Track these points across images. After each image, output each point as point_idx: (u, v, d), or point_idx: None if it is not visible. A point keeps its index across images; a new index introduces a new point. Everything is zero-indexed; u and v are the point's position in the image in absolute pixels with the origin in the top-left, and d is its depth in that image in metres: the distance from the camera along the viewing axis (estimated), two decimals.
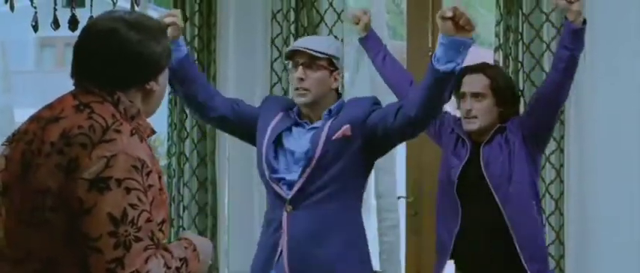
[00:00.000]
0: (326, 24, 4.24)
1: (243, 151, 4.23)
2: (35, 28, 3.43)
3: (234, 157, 4.51)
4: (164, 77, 2.13)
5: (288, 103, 3.29)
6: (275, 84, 4.36)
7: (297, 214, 3.08)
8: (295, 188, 3.07)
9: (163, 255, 1.95)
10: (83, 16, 3.20)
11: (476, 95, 3.38)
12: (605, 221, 3.82)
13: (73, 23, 3.34)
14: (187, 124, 4.50)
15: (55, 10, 3.38)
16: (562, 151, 3.90)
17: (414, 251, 4.36)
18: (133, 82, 2.06)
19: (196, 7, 4.48)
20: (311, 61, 3.11)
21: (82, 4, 3.46)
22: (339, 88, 3.23)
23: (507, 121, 3.41)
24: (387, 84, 3.68)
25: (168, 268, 1.95)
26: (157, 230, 1.95)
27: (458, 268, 3.49)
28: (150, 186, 1.95)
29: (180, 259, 2.01)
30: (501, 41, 3.96)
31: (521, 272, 3.30)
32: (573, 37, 3.18)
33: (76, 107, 2.01)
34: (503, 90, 3.42)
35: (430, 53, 4.20)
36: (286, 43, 4.29)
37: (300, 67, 3.11)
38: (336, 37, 4.17)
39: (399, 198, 4.65)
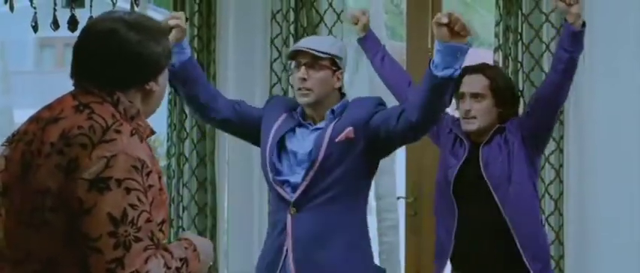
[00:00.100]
0: (325, 24, 4.24)
1: (242, 151, 4.23)
2: (35, 28, 3.43)
3: (233, 158, 4.51)
4: (164, 77, 2.13)
5: (292, 103, 3.29)
6: (274, 84, 4.35)
7: (301, 216, 3.07)
8: (299, 191, 3.06)
9: (163, 255, 1.95)
10: (83, 16, 3.20)
11: (475, 96, 3.38)
12: (605, 222, 3.82)
13: (72, 24, 3.33)
14: (187, 124, 4.50)
15: (54, 10, 3.38)
16: (561, 151, 3.90)
17: (414, 251, 4.36)
18: (132, 82, 2.07)
19: (196, 8, 4.48)
20: (313, 61, 3.11)
21: (81, 5, 3.46)
22: (342, 88, 3.23)
23: (506, 122, 3.41)
24: (385, 84, 3.68)
25: (169, 268, 1.95)
26: (156, 230, 1.95)
27: (455, 268, 3.49)
28: (150, 186, 1.95)
29: (181, 260, 2.01)
30: (501, 42, 3.96)
31: (522, 272, 3.30)
32: (572, 40, 3.18)
33: (76, 108, 2.01)
34: (502, 91, 3.42)
35: (430, 54, 4.21)
36: (286, 43, 4.29)
37: (303, 67, 3.11)
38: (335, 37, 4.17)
39: (398, 198, 4.65)
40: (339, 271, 3.06)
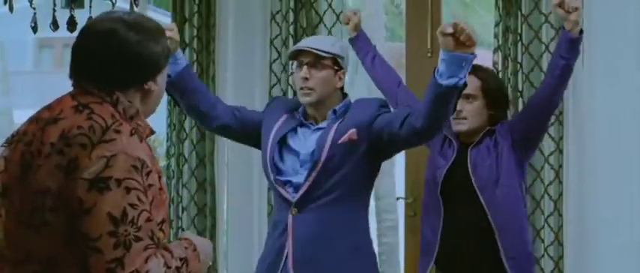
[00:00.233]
0: (325, 25, 4.24)
1: (242, 152, 4.23)
2: (34, 29, 3.43)
3: (233, 159, 4.51)
4: (162, 77, 2.13)
5: (292, 104, 3.29)
6: (274, 85, 4.35)
7: (302, 217, 3.07)
8: (301, 191, 3.06)
9: (163, 255, 1.95)
10: (82, 17, 3.19)
11: (466, 96, 3.37)
12: (605, 222, 3.82)
13: (71, 24, 3.33)
14: (186, 125, 4.50)
15: (54, 11, 3.38)
16: (561, 151, 3.90)
17: (413, 252, 4.35)
18: (131, 82, 2.07)
19: (195, 9, 4.48)
20: (316, 60, 3.11)
21: (81, 5, 3.46)
22: (344, 88, 3.23)
23: (497, 125, 3.41)
24: (375, 84, 3.69)
25: (169, 267, 1.95)
26: (156, 230, 1.95)
27: (439, 268, 3.50)
28: (150, 186, 1.95)
29: (181, 259, 2.01)
30: (500, 42, 3.96)
31: None
32: (570, 47, 3.20)
33: (75, 108, 2.01)
34: (493, 92, 3.42)
35: (429, 55, 4.21)
36: (285, 44, 4.29)
37: (305, 67, 3.11)
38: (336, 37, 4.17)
39: (397, 199, 4.64)
40: None
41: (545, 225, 3.90)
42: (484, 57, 4.06)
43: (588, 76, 3.82)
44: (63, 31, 3.36)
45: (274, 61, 4.36)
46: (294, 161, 3.13)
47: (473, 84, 3.38)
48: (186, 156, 4.50)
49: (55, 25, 3.40)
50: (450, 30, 2.64)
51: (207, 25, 4.51)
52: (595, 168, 3.84)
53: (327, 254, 3.05)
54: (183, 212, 4.52)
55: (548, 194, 3.90)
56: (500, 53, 3.96)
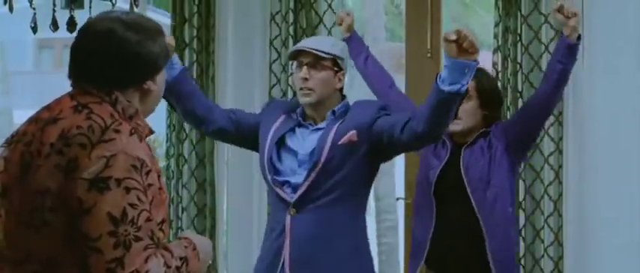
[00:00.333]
0: (325, 25, 4.25)
1: (242, 152, 4.22)
2: (34, 29, 3.43)
3: (233, 159, 4.51)
4: (161, 77, 2.13)
5: (290, 105, 3.29)
6: (274, 85, 4.36)
7: (300, 217, 3.07)
8: (300, 191, 3.06)
9: (163, 254, 1.96)
10: (82, 17, 3.19)
11: None
12: (604, 222, 3.82)
13: (71, 25, 3.33)
14: (186, 125, 4.49)
15: (54, 11, 3.38)
16: (561, 152, 3.91)
17: None
18: (130, 82, 2.07)
19: (195, 9, 4.48)
20: (315, 61, 3.11)
21: (80, 6, 3.46)
22: (344, 89, 3.23)
23: (491, 126, 3.41)
24: (368, 85, 3.69)
25: (169, 267, 1.95)
26: (156, 229, 1.95)
27: (429, 267, 3.50)
28: (149, 185, 1.95)
29: (181, 259, 2.01)
30: (500, 43, 3.96)
31: None
32: (568, 52, 3.21)
33: (75, 108, 2.01)
34: (488, 92, 3.42)
35: (429, 55, 4.22)
36: (285, 44, 4.30)
37: (305, 67, 3.11)
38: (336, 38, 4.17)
39: (397, 199, 4.64)
40: None
41: (545, 225, 3.91)
42: (484, 57, 4.05)
43: (588, 76, 3.82)
44: (63, 32, 3.35)
45: (274, 61, 4.36)
46: (292, 161, 3.12)
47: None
48: (186, 156, 4.50)
49: (54, 25, 3.40)
50: (453, 37, 2.64)
51: (207, 26, 4.51)
52: (595, 168, 3.85)
53: (325, 255, 3.05)
54: (183, 213, 4.52)
55: (548, 194, 3.90)
56: (499, 54, 3.96)
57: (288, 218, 3.08)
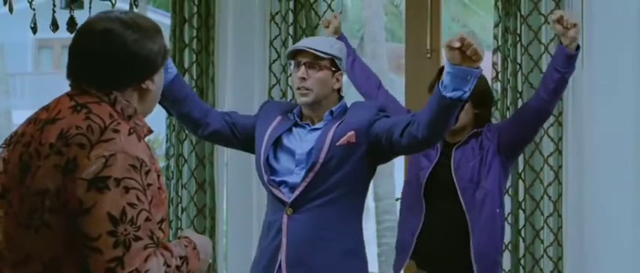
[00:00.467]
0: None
1: (241, 153, 4.21)
2: (34, 29, 3.42)
3: (232, 159, 4.52)
4: (160, 77, 2.13)
5: (286, 106, 3.28)
6: (273, 86, 4.36)
7: (297, 217, 3.06)
8: (297, 192, 3.05)
9: (163, 254, 1.95)
10: (82, 18, 3.18)
11: None
12: (604, 223, 3.83)
13: (71, 25, 3.33)
14: None
15: (53, 11, 3.37)
16: (560, 152, 3.91)
17: None
18: (129, 81, 2.06)
19: (195, 9, 4.48)
20: (313, 61, 3.11)
21: (80, 6, 3.45)
22: (341, 90, 3.23)
23: (482, 126, 3.42)
24: (355, 87, 3.67)
25: (168, 266, 1.95)
26: (156, 229, 1.95)
27: (419, 266, 3.51)
28: (149, 185, 1.95)
29: (181, 258, 2.01)
30: (500, 43, 3.96)
31: None
32: (566, 62, 3.21)
33: (73, 108, 2.00)
34: (480, 92, 3.41)
35: (428, 55, 4.22)
36: (285, 44, 4.30)
37: (303, 67, 3.11)
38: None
39: (397, 200, 4.64)
40: None
41: (545, 226, 3.91)
42: (484, 57, 4.06)
43: (588, 76, 3.83)
44: (63, 32, 3.35)
45: (274, 61, 4.36)
46: (289, 161, 3.11)
47: None
48: (186, 157, 4.51)
49: (54, 26, 3.40)
50: (457, 44, 2.63)
51: (207, 26, 4.51)
52: (594, 169, 3.85)
53: (321, 255, 3.04)
54: (182, 213, 4.52)
55: (548, 195, 3.91)
56: (499, 54, 3.97)
57: (284, 218, 3.08)
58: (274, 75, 4.36)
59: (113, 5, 3.50)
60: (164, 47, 2.11)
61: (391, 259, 3.72)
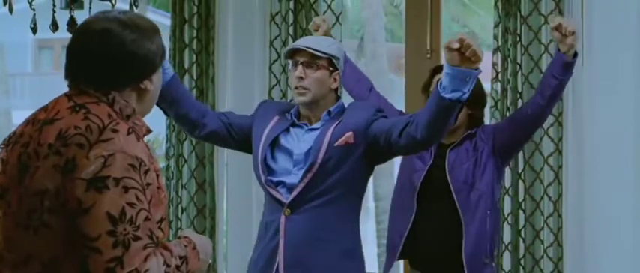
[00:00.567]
0: None
1: (241, 153, 4.23)
2: (34, 30, 3.42)
3: (232, 160, 4.52)
4: (158, 76, 2.12)
5: (283, 107, 3.28)
6: (273, 86, 4.36)
7: (295, 218, 3.06)
8: (295, 192, 3.05)
9: (163, 253, 1.95)
10: (82, 18, 3.18)
11: None
12: (604, 223, 3.82)
13: (71, 25, 3.32)
14: None
15: (53, 12, 3.37)
16: (560, 152, 3.91)
17: None
18: (127, 81, 2.06)
19: (195, 10, 4.48)
20: (311, 60, 3.10)
21: (80, 7, 3.45)
22: (339, 89, 3.22)
23: (477, 128, 3.42)
24: (346, 91, 3.65)
25: (168, 266, 1.95)
26: (155, 229, 1.95)
27: (413, 267, 3.51)
28: (148, 184, 1.95)
29: (180, 258, 2.01)
30: (500, 43, 3.96)
31: None
32: (563, 69, 3.22)
33: (72, 108, 2.00)
34: (473, 93, 3.42)
35: (428, 55, 4.22)
36: (285, 45, 4.30)
37: (300, 66, 3.10)
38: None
39: None
40: None
41: (545, 226, 3.91)
42: (483, 58, 4.06)
43: (588, 76, 3.82)
44: (63, 33, 3.34)
45: (273, 62, 4.36)
46: (286, 161, 3.11)
47: None
48: (186, 157, 4.51)
49: (54, 26, 3.40)
50: (456, 45, 2.63)
51: (207, 26, 4.51)
52: (594, 169, 3.85)
53: (319, 256, 3.04)
54: (182, 213, 4.52)
55: (548, 195, 3.91)
56: (499, 54, 3.97)
57: (282, 218, 3.07)
58: (274, 75, 4.36)
59: (113, 5, 3.50)
60: (162, 47, 2.11)
61: None
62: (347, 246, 3.09)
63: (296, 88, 3.11)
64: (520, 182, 3.94)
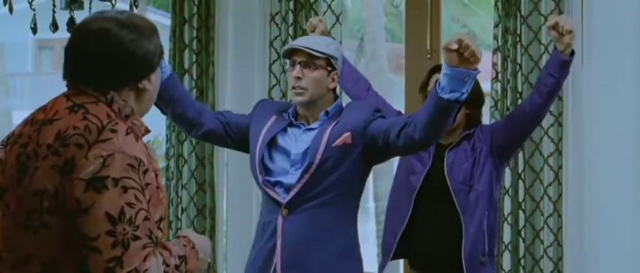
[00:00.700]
0: None
1: (241, 153, 4.23)
2: (34, 30, 3.42)
3: (232, 160, 4.52)
4: (156, 76, 2.12)
5: (281, 106, 3.27)
6: (273, 86, 4.36)
7: (292, 218, 3.05)
8: (292, 193, 3.04)
9: (162, 253, 1.95)
10: (82, 18, 3.18)
11: None
12: (604, 223, 3.82)
13: (71, 25, 3.32)
14: None
15: (53, 12, 3.37)
16: (560, 153, 3.91)
17: None
18: (125, 81, 2.06)
19: (195, 10, 4.48)
20: (309, 60, 3.10)
21: (80, 7, 3.45)
22: (337, 89, 3.22)
23: (476, 128, 3.42)
24: (344, 91, 3.65)
25: (167, 266, 1.95)
26: (155, 228, 1.95)
27: (411, 267, 3.51)
28: (147, 184, 1.95)
29: (180, 257, 2.01)
30: (500, 43, 3.96)
31: None
32: (560, 67, 3.21)
33: (70, 108, 2.00)
34: (470, 93, 3.42)
35: (428, 56, 4.22)
36: (285, 45, 4.29)
37: (298, 66, 3.10)
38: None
39: None
40: None
41: (545, 226, 3.91)
42: (483, 58, 4.06)
43: (588, 77, 3.82)
44: (63, 33, 3.34)
45: (273, 62, 4.36)
46: (284, 161, 3.10)
47: None
48: (186, 157, 4.51)
49: (54, 26, 3.40)
50: (454, 46, 2.63)
51: (207, 26, 4.51)
52: (594, 169, 3.85)
53: (316, 256, 3.04)
54: (182, 213, 4.52)
55: (548, 195, 3.91)
56: (499, 54, 3.97)
57: (280, 219, 3.07)
58: (274, 75, 4.36)
59: (113, 6, 3.50)
60: (160, 47, 2.11)
61: None
62: (345, 246, 3.09)
63: (294, 88, 3.10)
64: (520, 182, 3.94)
